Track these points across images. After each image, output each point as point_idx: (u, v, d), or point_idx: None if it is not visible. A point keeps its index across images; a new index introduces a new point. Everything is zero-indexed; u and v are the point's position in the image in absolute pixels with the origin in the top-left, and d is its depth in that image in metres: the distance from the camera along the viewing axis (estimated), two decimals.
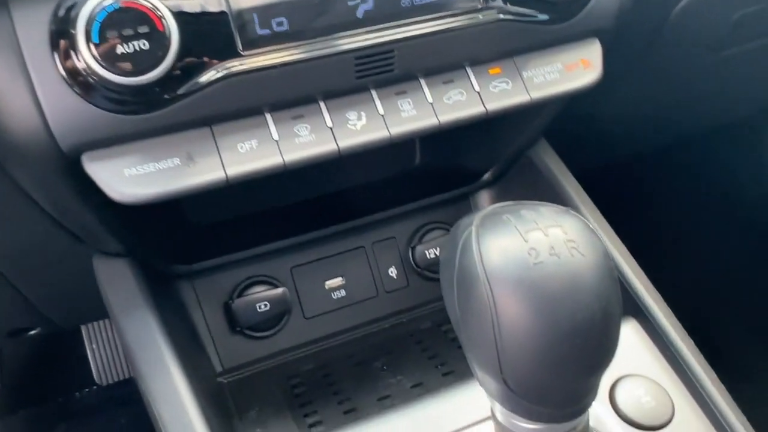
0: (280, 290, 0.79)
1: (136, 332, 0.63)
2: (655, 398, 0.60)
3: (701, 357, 0.69)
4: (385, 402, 0.70)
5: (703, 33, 0.87)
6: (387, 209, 0.82)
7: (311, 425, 0.69)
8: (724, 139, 1.49)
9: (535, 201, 0.45)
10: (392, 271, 0.83)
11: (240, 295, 0.77)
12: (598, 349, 0.41)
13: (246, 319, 0.78)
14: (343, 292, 0.81)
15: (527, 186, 0.79)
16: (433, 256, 0.83)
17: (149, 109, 0.52)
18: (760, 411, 0.77)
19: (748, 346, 1.52)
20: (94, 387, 1.52)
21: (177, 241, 0.73)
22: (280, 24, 0.55)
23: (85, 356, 1.50)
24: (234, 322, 0.77)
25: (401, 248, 0.83)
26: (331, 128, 0.58)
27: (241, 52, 0.54)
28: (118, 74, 0.49)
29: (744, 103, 1.29)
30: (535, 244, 0.40)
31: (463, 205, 0.84)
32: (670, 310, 0.71)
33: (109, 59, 0.49)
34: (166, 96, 0.52)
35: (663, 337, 0.67)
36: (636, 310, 0.69)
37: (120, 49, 0.49)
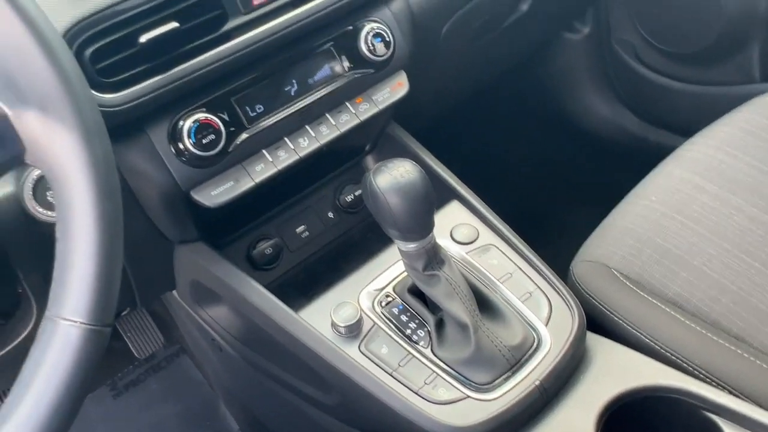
0: (274, 240, 1.31)
1: (225, 272, 1.24)
2: (469, 230, 1.31)
3: (493, 212, 1.38)
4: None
5: (456, 40, 1.57)
6: (318, 180, 1.44)
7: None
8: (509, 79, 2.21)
9: (394, 157, 1.11)
10: (330, 214, 1.42)
11: (254, 248, 1.34)
12: (428, 206, 1.07)
13: (261, 260, 1.28)
14: (307, 232, 1.34)
15: (389, 148, 1.42)
16: (350, 200, 1.41)
17: (217, 162, 1.13)
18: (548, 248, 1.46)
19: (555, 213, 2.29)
20: (130, 367, 2.07)
21: (225, 224, 1.33)
22: (259, 108, 1.18)
23: (114, 348, 2.04)
24: (255, 264, 1.30)
25: (331, 201, 1.43)
26: (293, 149, 1.22)
27: (247, 126, 1.16)
28: (203, 151, 1.10)
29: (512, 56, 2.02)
30: (395, 174, 1.05)
31: (359, 167, 1.45)
32: (474, 193, 1.41)
33: (199, 145, 1.10)
34: (222, 154, 1.14)
35: (470, 205, 1.36)
36: (456, 196, 1.36)
37: (203, 140, 1.10)
